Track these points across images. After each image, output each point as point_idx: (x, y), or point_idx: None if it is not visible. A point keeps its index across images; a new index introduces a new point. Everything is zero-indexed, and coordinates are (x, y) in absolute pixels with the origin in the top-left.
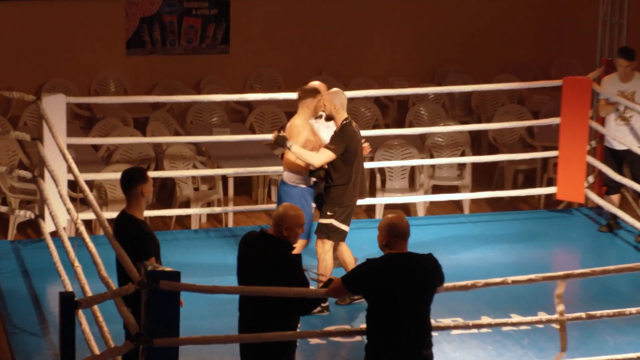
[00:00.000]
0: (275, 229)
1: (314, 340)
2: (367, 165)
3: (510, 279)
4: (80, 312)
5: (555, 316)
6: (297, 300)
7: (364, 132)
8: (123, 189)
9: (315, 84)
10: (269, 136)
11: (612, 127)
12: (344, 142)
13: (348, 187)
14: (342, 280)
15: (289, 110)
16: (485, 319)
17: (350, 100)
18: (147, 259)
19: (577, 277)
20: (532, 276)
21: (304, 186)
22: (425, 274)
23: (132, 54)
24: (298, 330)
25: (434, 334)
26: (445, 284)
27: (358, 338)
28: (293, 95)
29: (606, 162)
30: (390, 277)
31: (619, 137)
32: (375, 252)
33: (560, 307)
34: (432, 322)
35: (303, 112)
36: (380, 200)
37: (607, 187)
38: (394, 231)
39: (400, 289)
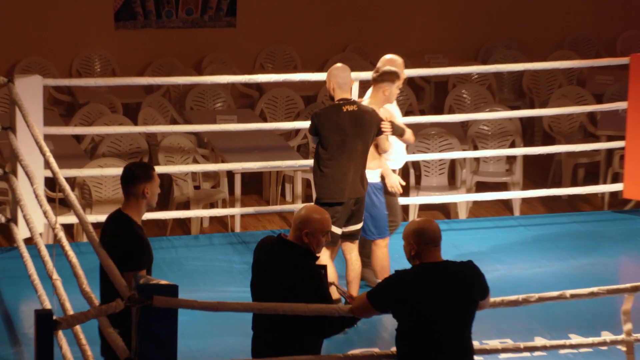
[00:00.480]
0: (296, 233)
1: None
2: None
3: (568, 292)
4: (59, 333)
5: (622, 336)
6: (316, 320)
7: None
8: (123, 186)
9: (392, 68)
10: (283, 125)
11: None
12: (311, 128)
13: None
14: (367, 296)
15: (307, 93)
16: (539, 341)
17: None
18: (131, 270)
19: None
20: (595, 289)
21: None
22: (464, 286)
23: (121, 28)
24: (322, 353)
25: (477, 358)
26: (491, 299)
27: None
28: (311, 76)
29: None
30: (423, 291)
31: None
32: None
33: (628, 326)
34: (475, 344)
35: (376, 97)
36: (414, 200)
37: None
38: (424, 237)
39: (436, 304)
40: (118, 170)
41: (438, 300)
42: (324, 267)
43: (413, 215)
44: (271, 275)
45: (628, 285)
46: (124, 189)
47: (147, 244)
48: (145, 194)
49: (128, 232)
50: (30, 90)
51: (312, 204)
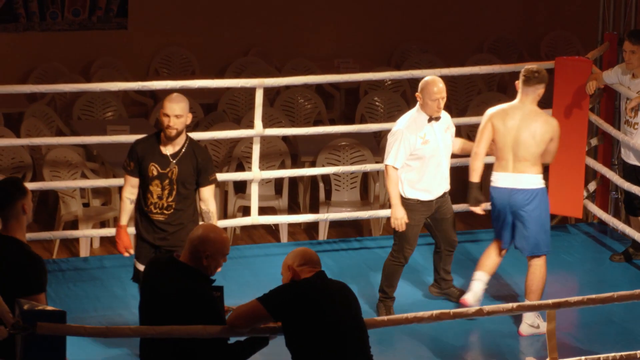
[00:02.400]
0: (191, 255)
1: None
2: (309, 172)
3: (486, 308)
4: None
5: None
6: (217, 346)
7: (301, 130)
8: None
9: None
10: None
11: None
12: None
13: None
14: (259, 300)
15: (206, 101)
16: None
17: (286, 88)
18: (38, 294)
19: (571, 306)
20: (514, 305)
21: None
22: (354, 298)
23: (1, 31)
24: None
25: None
26: (397, 315)
27: None
28: (211, 83)
29: (626, 177)
30: (324, 296)
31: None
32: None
33: (552, 350)
34: None
35: (534, 100)
36: (324, 217)
37: (628, 206)
38: (305, 258)
39: (338, 311)
40: None
41: (338, 302)
42: (220, 288)
43: (323, 234)
44: (160, 299)
45: (550, 301)
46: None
47: (44, 264)
48: (24, 210)
49: (24, 255)
50: None
51: (208, 223)
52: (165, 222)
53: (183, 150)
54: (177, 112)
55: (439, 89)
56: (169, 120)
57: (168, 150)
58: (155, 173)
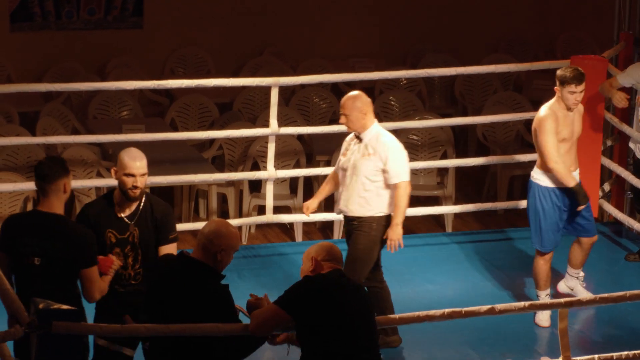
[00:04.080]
0: (204, 251)
1: None
2: (324, 171)
3: (498, 307)
4: None
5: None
6: (233, 343)
7: (316, 129)
8: (41, 183)
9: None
10: (196, 134)
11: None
12: None
13: None
14: (276, 302)
15: (221, 100)
16: None
17: (301, 87)
18: (92, 265)
19: (582, 306)
20: (526, 303)
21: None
22: (367, 297)
23: (17, 30)
24: None
25: None
26: (415, 313)
27: None
28: (226, 82)
29: (636, 173)
30: (340, 291)
31: None
32: None
33: (565, 347)
34: None
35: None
36: (339, 216)
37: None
38: (330, 254)
39: (353, 307)
40: (15, 186)
41: (353, 301)
42: (227, 286)
43: (338, 233)
44: (174, 298)
45: (561, 300)
46: (42, 187)
47: (93, 236)
48: (65, 190)
49: (73, 230)
50: None
51: (219, 218)
52: (138, 293)
53: (140, 207)
54: (142, 171)
55: (342, 104)
56: (134, 180)
57: (124, 212)
58: (113, 240)
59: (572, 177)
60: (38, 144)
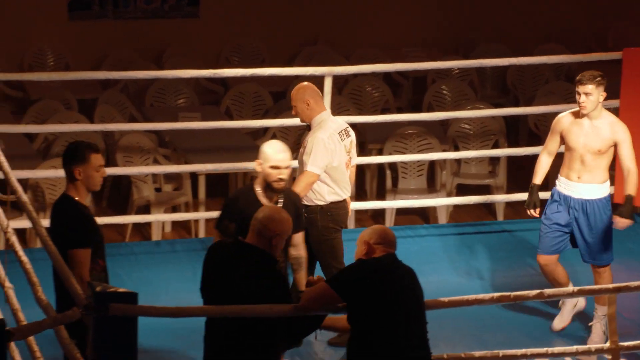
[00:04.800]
0: (259, 237)
1: None
2: (376, 159)
3: (547, 291)
4: (12, 344)
5: (607, 344)
6: (287, 324)
7: (368, 118)
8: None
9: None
10: (251, 122)
11: None
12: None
13: None
14: (327, 282)
15: (275, 89)
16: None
17: (354, 76)
18: (77, 247)
19: (631, 291)
20: (575, 288)
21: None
22: (417, 280)
23: (75, 19)
24: None
25: None
26: (464, 297)
27: None
28: (280, 71)
29: None
30: (391, 276)
31: None
32: None
33: (613, 332)
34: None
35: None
36: (391, 204)
37: None
38: (385, 238)
39: (402, 291)
40: None
41: (405, 286)
42: (282, 268)
43: (390, 221)
44: (232, 282)
45: (610, 285)
46: (64, 169)
47: (88, 220)
48: (76, 176)
49: (67, 210)
50: None
51: (271, 204)
52: None
53: (281, 199)
54: (287, 163)
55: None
56: (279, 172)
57: (269, 203)
58: None
59: (535, 174)
60: (96, 130)
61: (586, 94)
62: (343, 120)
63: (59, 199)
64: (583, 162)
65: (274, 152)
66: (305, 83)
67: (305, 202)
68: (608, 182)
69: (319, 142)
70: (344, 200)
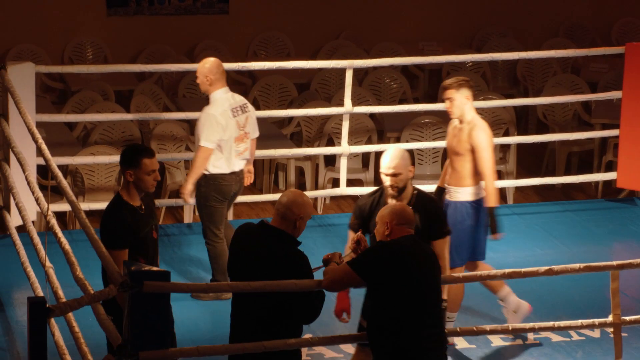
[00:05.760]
0: (284, 219)
1: (329, 354)
2: (392, 147)
3: (556, 267)
4: (52, 320)
5: (610, 318)
6: (308, 300)
7: (387, 108)
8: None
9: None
10: (277, 112)
11: None
12: None
13: None
14: (349, 264)
15: (300, 81)
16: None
17: (373, 69)
18: (111, 248)
19: (634, 268)
20: (581, 265)
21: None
22: (435, 260)
23: (113, 15)
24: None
25: (469, 343)
26: (478, 272)
27: None
28: (305, 64)
29: None
30: (412, 257)
31: None
32: None
33: (616, 307)
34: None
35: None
36: None
37: None
38: (403, 217)
39: (422, 271)
40: (110, 158)
41: (423, 268)
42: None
43: None
44: (258, 262)
45: (614, 262)
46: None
47: (126, 222)
48: (127, 178)
49: (111, 210)
50: (22, 78)
51: (294, 189)
52: None
53: (412, 203)
54: (391, 171)
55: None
56: (386, 179)
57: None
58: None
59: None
60: (132, 120)
61: (449, 99)
62: (242, 98)
63: (113, 197)
64: (451, 163)
65: (382, 160)
66: (212, 59)
67: None
68: (472, 189)
69: (210, 118)
70: (232, 174)
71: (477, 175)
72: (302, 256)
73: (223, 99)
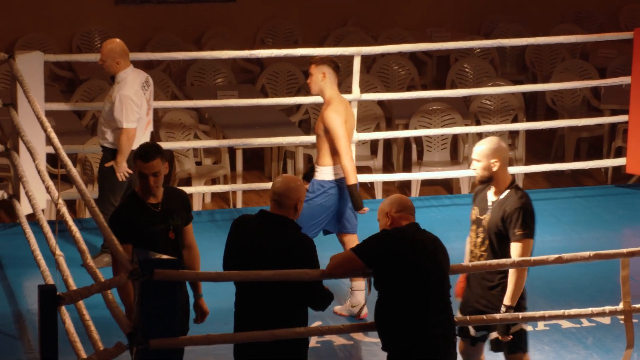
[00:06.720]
0: (282, 207)
1: (339, 341)
2: (402, 134)
3: (565, 255)
4: (63, 308)
5: (620, 306)
6: (310, 288)
7: (395, 95)
8: None
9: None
10: (284, 100)
11: None
12: None
13: None
14: (354, 251)
15: (307, 68)
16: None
17: (381, 56)
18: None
19: None
20: (591, 253)
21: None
22: (442, 249)
23: (121, 3)
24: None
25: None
26: (487, 261)
27: None
28: (312, 51)
29: None
30: (416, 245)
31: None
32: None
33: (626, 294)
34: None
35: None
36: (416, 176)
37: None
38: (402, 205)
39: (427, 259)
40: None
41: (428, 255)
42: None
43: (415, 191)
44: (262, 252)
45: (624, 250)
46: None
47: (125, 220)
48: (135, 174)
49: (120, 205)
50: (31, 67)
51: (284, 174)
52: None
53: (502, 197)
54: (477, 157)
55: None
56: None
57: (493, 195)
58: (473, 217)
59: None
60: None
61: (309, 74)
62: (142, 71)
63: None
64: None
65: (473, 146)
66: (116, 40)
67: (104, 144)
68: (330, 168)
69: (127, 100)
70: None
71: (336, 155)
72: (309, 240)
73: (133, 77)
